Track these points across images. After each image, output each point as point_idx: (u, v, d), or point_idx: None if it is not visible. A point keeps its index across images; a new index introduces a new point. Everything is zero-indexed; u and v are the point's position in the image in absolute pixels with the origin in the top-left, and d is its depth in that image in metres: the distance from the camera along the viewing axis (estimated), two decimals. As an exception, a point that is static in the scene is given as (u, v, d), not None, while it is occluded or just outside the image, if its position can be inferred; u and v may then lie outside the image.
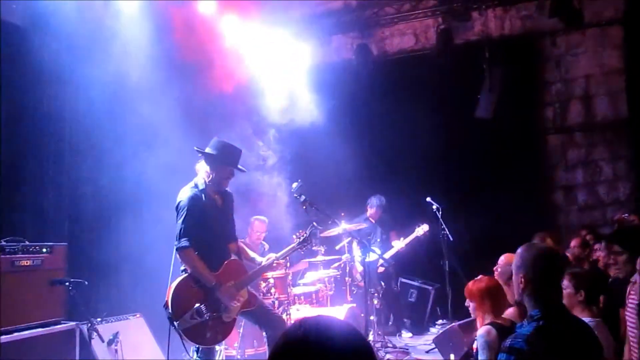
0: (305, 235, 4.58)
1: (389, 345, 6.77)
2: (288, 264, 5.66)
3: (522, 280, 2.50)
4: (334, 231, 6.27)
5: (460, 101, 8.10)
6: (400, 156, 8.21)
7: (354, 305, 6.26)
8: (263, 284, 5.55)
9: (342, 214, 6.26)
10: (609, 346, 3.31)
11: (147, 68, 6.10)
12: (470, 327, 4.12)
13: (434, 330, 7.54)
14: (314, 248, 5.68)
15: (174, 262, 4.54)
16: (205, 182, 4.28)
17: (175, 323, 3.95)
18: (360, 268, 6.90)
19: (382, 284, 7.34)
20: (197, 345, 4.09)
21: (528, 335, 2.35)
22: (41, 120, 5.74)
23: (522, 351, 2.31)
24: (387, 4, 8.64)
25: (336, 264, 6.85)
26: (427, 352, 6.47)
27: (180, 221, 4.13)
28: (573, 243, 6.00)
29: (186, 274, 4.13)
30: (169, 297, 4.02)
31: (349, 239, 6.75)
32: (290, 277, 5.78)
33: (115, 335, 5.03)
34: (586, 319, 3.45)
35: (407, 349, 6.70)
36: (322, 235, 6.15)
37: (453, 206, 7.33)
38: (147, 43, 6.17)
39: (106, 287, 5.82)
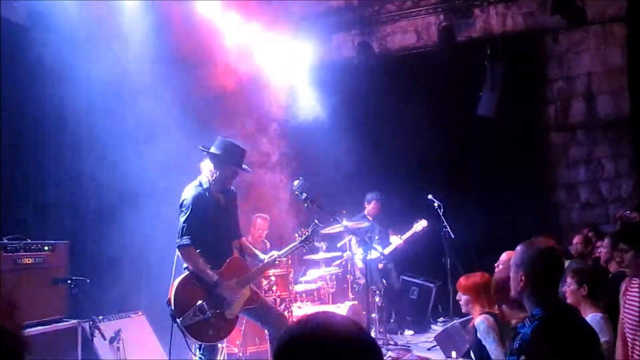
0: (307, 233, 4.58)
1: (391, 342, 6.76)
2: (289, 262, 5.66)
3: (522, 278, 2.46)
4: (335, 228, 6.26)
5: (462, 98, 8.07)
6: (402, 153, 8.18)
7: (356, 302, 6.26)
8: (265, 282, 5.55)
9: (344, 211, 6.25)
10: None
11: (148, 65, 6.12)
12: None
13: (436, 328, 7.51)
14: (315, 244, 5.68)
15: (177, 259, 4.55)
16: (209, 180, 4.29)
17: (177, 320, 3.96)
18: (360, 265, 6.89)
19: (384, 281, 7.33)
20: (200, 343, 4.09)
21: (532, 335, 2.35)
22: (42, 118, 5.73)
23: (529, 351, 2.31)
24: (388, 1, 8.61)
25: (338, 262, 6.84)
26: (429, 349, 6.47)
27: (183, 219, 4.14)
28: (576, 239, 6.04)
29: (188, 272, 4.14)
30: (171, 295, 4.03)
31: (350, 236, 6.75)
32: (291, 275, 5.79)
33: (117, 333, 5.01)
34: (593, 314, 3.47)
35: (409, 347, 6.69)
36: (323, 232, 6.15)
37: (454, 204, 7.32)
38: (148, 40, 6.18)
39: (108, 285, 5.81)
